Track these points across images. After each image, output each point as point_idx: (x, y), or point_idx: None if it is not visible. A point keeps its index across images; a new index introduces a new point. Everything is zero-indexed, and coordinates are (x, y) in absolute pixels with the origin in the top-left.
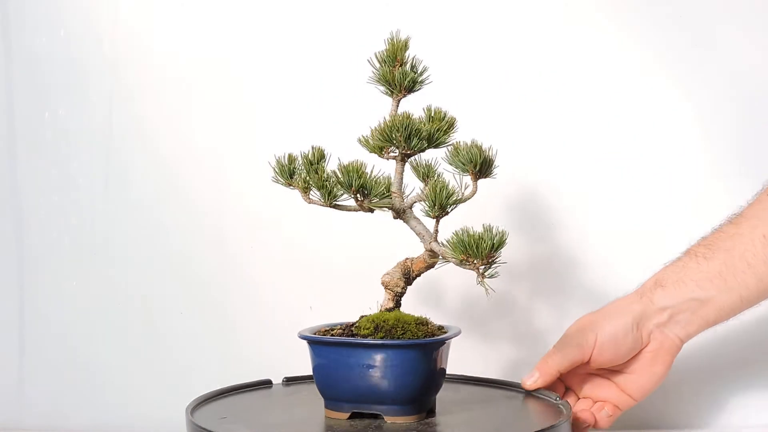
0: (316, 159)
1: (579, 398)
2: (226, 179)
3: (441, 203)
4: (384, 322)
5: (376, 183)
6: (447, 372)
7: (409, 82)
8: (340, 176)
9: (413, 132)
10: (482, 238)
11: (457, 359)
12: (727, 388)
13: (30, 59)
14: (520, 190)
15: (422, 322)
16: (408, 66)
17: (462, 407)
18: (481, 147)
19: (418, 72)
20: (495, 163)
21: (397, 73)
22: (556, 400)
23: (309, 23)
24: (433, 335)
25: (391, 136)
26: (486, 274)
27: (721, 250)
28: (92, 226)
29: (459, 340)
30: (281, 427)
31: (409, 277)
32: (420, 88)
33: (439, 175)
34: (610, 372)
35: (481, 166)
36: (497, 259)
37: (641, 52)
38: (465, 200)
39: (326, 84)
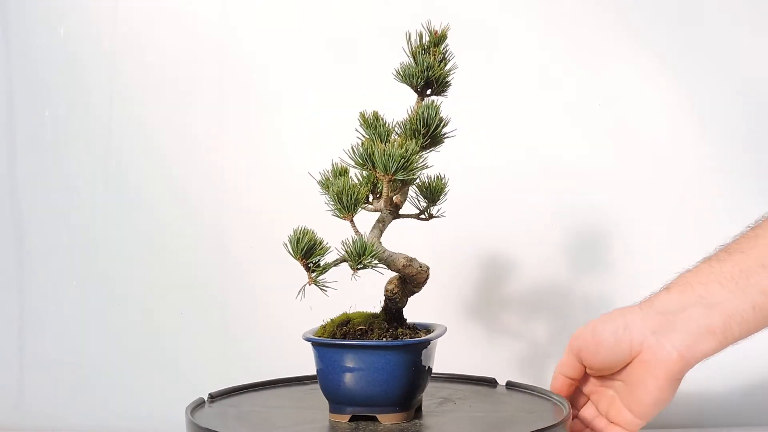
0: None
1: (596, 408)
2: (226, 179)
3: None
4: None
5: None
6: (446, 371)
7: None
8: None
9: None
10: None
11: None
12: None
13: (30, 59)
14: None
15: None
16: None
17: (461, 407)
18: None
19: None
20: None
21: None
22: (556, 399)
23: (309, 23)
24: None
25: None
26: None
27: (737, 252)
28: (92, 226)
29: (458, 337)
30: (282, 427)
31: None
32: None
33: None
34: (610, 380)
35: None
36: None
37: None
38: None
39: (327, 84)
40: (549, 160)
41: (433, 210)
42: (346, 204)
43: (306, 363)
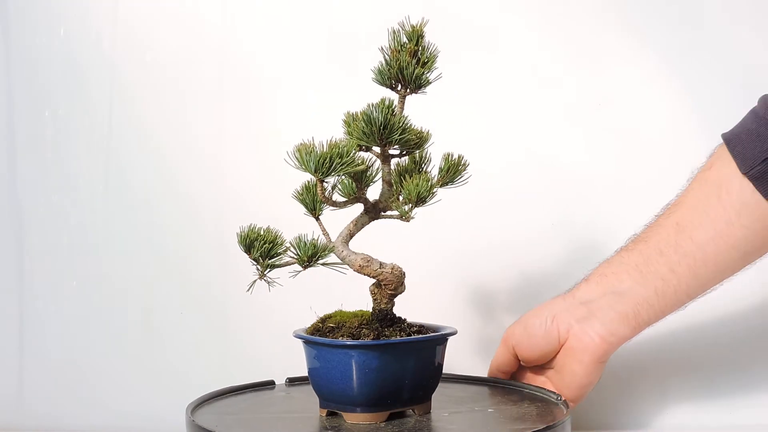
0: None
1: None
2: (226, 179)
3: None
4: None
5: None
6: (445, 371)
7: (416, 77)
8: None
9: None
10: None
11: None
12: (679, 388)
13: (30, 59)
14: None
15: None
16: (417, 58)
17: (460, 406)
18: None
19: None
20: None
21: (409, 64)
22: (557, 399)
23: (309, 23)
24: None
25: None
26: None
27: (641, 241)
28: (92, 226)
29: (457, 339)
30: (282, 427)
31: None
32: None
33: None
34: (542, 369)
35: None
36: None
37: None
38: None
39: (327, 84)
40: (549, 160)
41: (415, 212)
42: (309, 205)
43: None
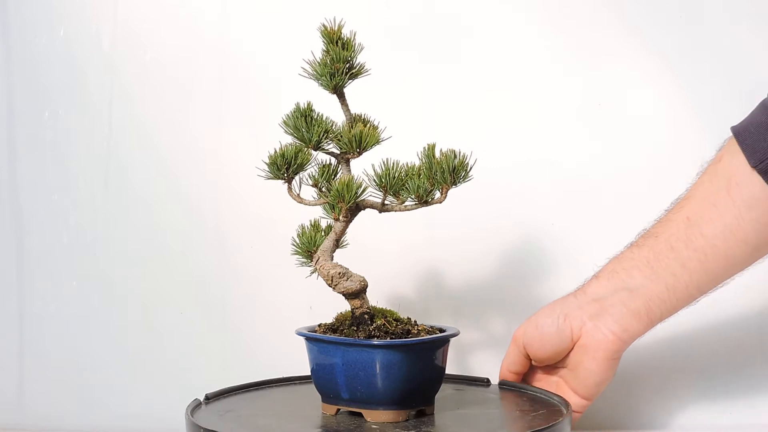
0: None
1: None
2: (226, 179)
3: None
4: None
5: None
6: (446, 371)
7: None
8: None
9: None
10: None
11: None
12: (681, 388)
13: (30, 59)
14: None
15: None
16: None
17: (460, 406)
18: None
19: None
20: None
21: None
22: (555, 399)
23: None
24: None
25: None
26: None
27: (651, 236)
28: (92, 226)
29: (460, 339)
30: (282, 427)
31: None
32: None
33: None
34: (554, 369)
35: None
36: None
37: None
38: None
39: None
40: (549, 161)
41: (390, 200)
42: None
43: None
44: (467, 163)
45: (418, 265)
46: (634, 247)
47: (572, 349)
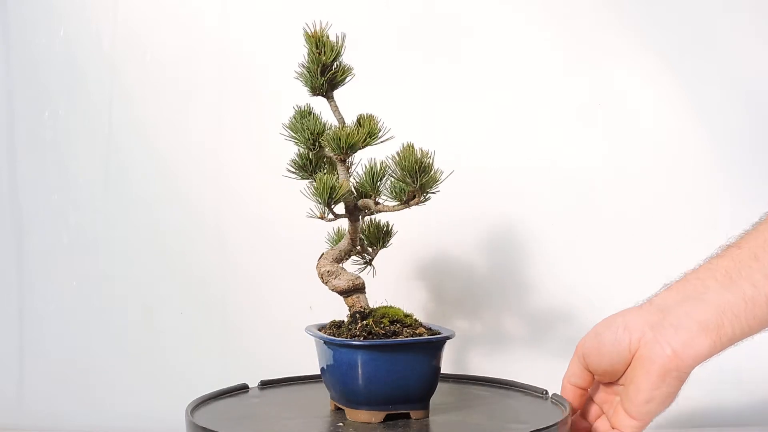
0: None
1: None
2: (226, 179)
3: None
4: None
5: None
6: (446, 371)
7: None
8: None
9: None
10: None
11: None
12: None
13: (30, 59)
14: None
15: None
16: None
17: (460, 406)
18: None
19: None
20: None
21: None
22: (543, 395)
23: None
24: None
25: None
26: None
27: (734, 247)
28: (92, 226)
29: (460, 340)
30: (282, 427)
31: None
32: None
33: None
34: (616, 385)
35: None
36: None
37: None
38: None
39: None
40: (548, 160)
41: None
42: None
43: (306, 362)
44: (430, 164)
45: (417, 266)
46: (714, 257)
47: (630, 362)
